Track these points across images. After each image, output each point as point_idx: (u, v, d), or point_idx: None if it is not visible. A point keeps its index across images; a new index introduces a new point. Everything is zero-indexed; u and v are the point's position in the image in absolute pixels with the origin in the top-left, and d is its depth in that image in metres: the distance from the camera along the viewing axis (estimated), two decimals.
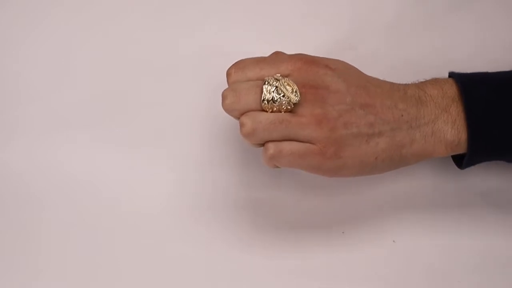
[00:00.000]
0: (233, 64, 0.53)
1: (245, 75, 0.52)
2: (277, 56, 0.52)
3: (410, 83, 0.54)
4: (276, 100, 0.50)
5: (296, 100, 0.50)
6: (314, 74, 0.51)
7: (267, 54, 0.53)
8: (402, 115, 0.52)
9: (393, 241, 0.57)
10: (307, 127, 0.50)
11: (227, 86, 0.52)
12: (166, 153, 0.62)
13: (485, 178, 0.61)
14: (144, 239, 0.57)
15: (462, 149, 0.53)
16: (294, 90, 0.50)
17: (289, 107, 0.50)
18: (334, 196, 0.61)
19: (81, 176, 0.62)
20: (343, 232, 0.58)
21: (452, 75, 0.55)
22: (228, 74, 0.52)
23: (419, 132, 0.52)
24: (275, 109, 0.50)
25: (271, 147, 0.51)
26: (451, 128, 0.53)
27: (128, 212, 0.60)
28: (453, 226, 0.58)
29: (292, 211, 0.60)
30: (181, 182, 0.62)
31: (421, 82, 0.54)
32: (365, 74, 0.53)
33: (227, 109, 0.51)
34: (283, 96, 0.50)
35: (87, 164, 0.62)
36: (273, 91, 0.50)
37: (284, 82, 0.50)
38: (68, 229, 0.58)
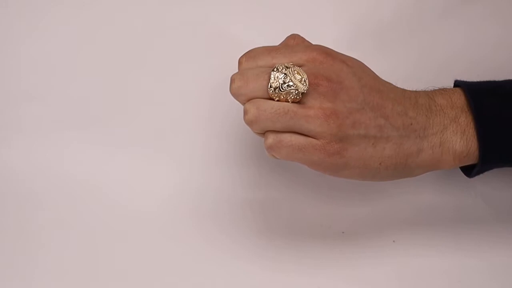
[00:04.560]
0: (245, 53, 0.51)
1: (256, 64, 0.50)
2: (293, 45, 0.51)
3: (420, 90, 0.53)
4: (283, 89, 0.47)
5: (303, 89, 0.47)
6: (329, 67, 0.49)
7: None
8: (411, 124, 0.51)
9: (393, 241, 0.57)
10: (313, 121, 0.48)
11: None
12: (166, 153, 0.62)
13: (486, 179, 0.61)
14: (144, 239, 0.57)
15: (471, 160, 0.52)
16: (303, 79, 0.47)
17: (297, 97, 0.48)
18: (334, 197, 0.61)
19: (81, 176, 0.62)
20: (343, 232, 0.58)
21: (458, 83, 0.54)
22: (239, 62, 0.51)
23: (427, 142, 0.51)
24: (282, 97, 0.48)
25: (271, 136, 0.49)
26: (460, 139, 0.51)
27: (128, 212, 0.60)
28: (453, 226, 0.58)
29: (292, 211, 0.60)
30: (181, 182, 0.62)
31: (431, 91, 0.53)
32: (380, 78, 0.52)
33: (234, 93, 0.49)
34: (291, 84, 0.47)
35: (87, 164, 0.62)
36: (281, 78, 0.47)
37: (294, 70, 0.48)
38: (68, 229, 0.58)
